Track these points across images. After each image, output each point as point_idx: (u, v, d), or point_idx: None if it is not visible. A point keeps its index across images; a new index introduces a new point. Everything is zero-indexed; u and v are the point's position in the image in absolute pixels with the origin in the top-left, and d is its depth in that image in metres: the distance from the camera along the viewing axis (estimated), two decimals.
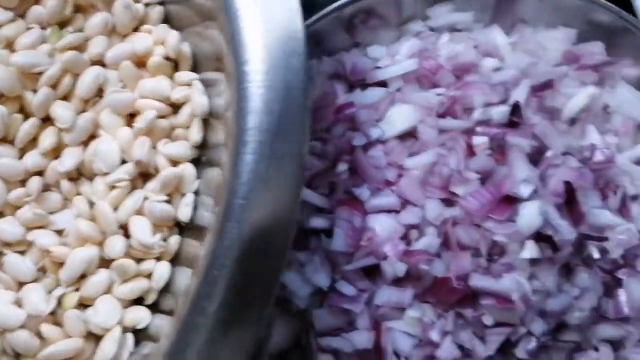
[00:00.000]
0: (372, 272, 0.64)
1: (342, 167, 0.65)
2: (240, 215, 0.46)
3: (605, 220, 0.62)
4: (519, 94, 0.65)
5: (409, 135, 0.67)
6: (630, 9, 0.76)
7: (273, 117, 0.47)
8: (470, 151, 0.62)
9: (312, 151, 0.68)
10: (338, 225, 0.63)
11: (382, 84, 0.71)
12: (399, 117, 0.65)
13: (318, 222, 0.65)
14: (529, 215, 0.57)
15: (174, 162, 0.56)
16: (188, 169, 0.56)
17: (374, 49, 0.73)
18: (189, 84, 0.57)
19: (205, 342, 0.46)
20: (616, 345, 0.64)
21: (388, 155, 0.65)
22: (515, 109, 0.64)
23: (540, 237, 0.58)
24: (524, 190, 0.59)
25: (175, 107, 0.58)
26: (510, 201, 0.59)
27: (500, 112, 0.64)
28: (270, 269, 0.47)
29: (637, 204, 0.66)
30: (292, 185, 0.46)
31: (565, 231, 0.58)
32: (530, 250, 0.58)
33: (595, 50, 0.69)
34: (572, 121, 0.67)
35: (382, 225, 0.62)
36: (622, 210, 0.64)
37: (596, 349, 0.63)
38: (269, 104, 0.47)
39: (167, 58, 0.58)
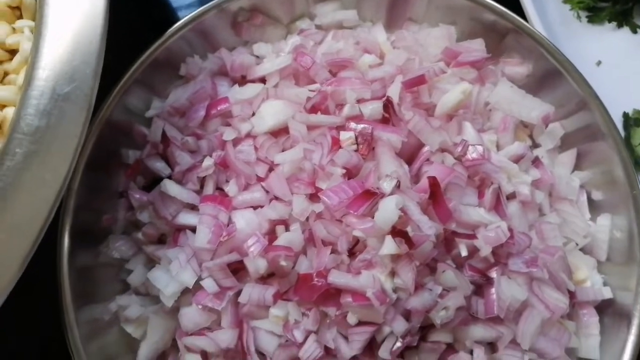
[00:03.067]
0: (240, 270, 0.62)
1: (208, 162, 0.64)
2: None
3: (477, 217, 0.61)
4: (393, 90, 0.64)
5: (284, 131, 0.65)
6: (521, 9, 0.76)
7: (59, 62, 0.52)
8: (337, 146, 0.61)
9: (184, 147, 0.66)
10: (201, 222, 0.61)
11: (263, 80, 0.70)
12: (270, 113, 0.64)
13: (185, 218, 0.64)
14: (387, 210, 0.56)
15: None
16: (9, 113, 0.56)
17: (258, 47, 0.72)
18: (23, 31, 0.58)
19: None
20: (493, 347, 0.62)
21: (258, 151, 0.64)
22: (387, 104, 0.63)
23: (399, 232, 0.56)
24: (386, 186, 0.57)
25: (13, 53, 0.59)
26: (371, 196, 0.57)
27: (373, 108, 0.63)
28: None
29: (514, 201, 0.64)
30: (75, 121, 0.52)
31: (425, 227, 0.56)
32: (389, 246, 0.56)
33: (475, 47, 0.69)
34: (449, 118, 0.66)
35: (246, 221, 0.61)
36: (497, 207, 0.62)
37: (471, 352, 0.61)
38: (58, 49, 0.53)
39: (10, 6, 0.60)
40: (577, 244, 0.67)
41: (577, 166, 0.70)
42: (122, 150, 0.69)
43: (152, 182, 0.69)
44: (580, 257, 0.66)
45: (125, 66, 0.69)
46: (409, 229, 0.56)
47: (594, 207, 0.69)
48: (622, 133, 0.76)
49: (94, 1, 0.56)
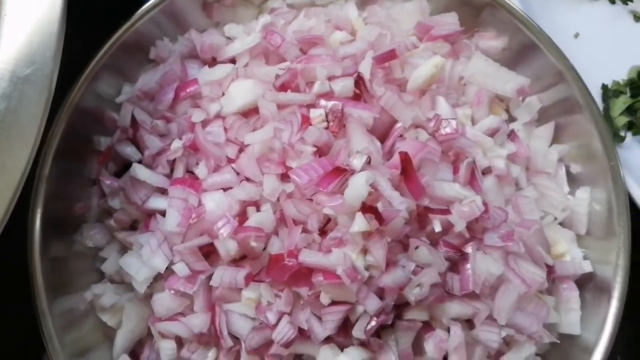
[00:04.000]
0: (212, 253, 0.61)
1: (177, 144, 0.63)
2: None
3: (452, 192, 0.60)
4: (364, 66, 0.63)
5: (254, 111, 0.64)
6: None
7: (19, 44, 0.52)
8: (307, 124, 0.60)
9: (154, 130, 0.65)
10: (171, 205, 0.60)
11: (234, 61, 0.68)
12: (239, 92, 0.63)
13: (156, 202, 0.63)
14: (357, 186, 0.55)
15: None
16: None
17: (230, 28, 0.71)
18: None
19: None
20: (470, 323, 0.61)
21: (228, 131, 0.63)
22: (358, 80, 0.62)
23: (369, 209, 0.55)
24: (357, 162, 0.56)
25: None
26: (340, 173, 0.56)
27: (344, 85, 0.62)
28: None
29: (490, 176, 0.63)
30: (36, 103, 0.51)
31: (396, 202, 0.55)
32: (360, 223, 0.55)
33: (448, 20, 0.67)
34: (422, 93, 0.64)
35: (215, 203, 0.60)
36: (472, 182, 0.61)
37: (448, 329, 0.60)
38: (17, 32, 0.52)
39: None
40: (555, 218, 0.66)
41: (556, 139, 0.69)
42: (93, 137, 0.68)
43: (124, 168, 0.68)
44: (559, 231, 0.65)
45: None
46: (379, 205, 0.55)
47: (573, 181, 0.68)
48: (601, 105, 0.75)
49: None
